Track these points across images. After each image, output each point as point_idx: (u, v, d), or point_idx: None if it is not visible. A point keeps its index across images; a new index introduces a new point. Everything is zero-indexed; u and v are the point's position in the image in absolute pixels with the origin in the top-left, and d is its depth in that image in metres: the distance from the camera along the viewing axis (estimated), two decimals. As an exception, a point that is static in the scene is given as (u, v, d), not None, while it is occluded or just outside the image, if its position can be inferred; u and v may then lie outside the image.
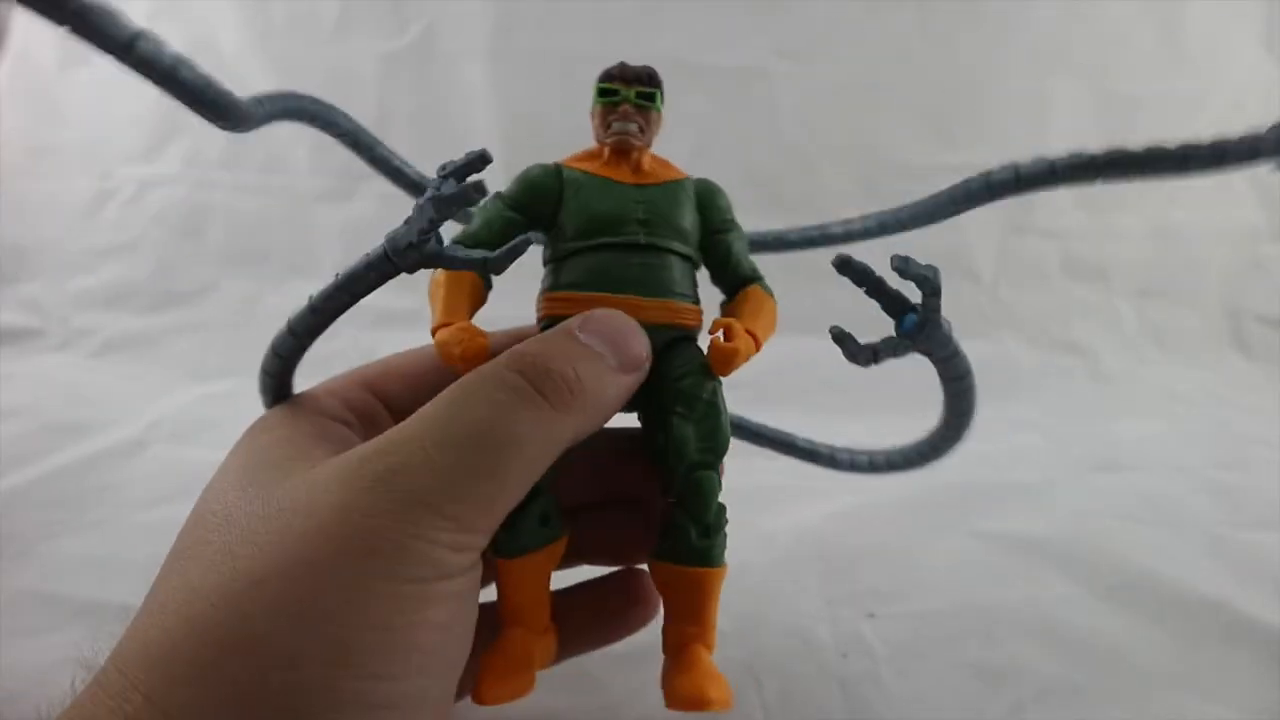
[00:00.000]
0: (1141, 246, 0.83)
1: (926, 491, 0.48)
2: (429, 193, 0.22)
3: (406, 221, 0.21)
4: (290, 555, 0.18)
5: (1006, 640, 0.33)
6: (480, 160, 0.22)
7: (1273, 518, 0.45)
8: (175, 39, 0.20)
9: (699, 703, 0.23)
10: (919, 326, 0.22)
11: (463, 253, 0.22)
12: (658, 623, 0.33)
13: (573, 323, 0.23)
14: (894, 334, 0.23)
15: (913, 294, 0.23)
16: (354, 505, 0.18)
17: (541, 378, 0.21)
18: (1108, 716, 0.29)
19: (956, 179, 0.27)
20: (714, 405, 0.25)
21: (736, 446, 0.26)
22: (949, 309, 0.22)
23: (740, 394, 0.27)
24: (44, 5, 0.17)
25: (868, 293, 0.23)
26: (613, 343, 0.23)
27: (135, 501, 0.47)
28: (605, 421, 0.23)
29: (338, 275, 0.22)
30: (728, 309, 0.27)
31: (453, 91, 0.80)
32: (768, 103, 0.79)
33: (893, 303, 0.23)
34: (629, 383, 0.23)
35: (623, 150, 0.26)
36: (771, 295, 0.27)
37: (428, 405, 0.21)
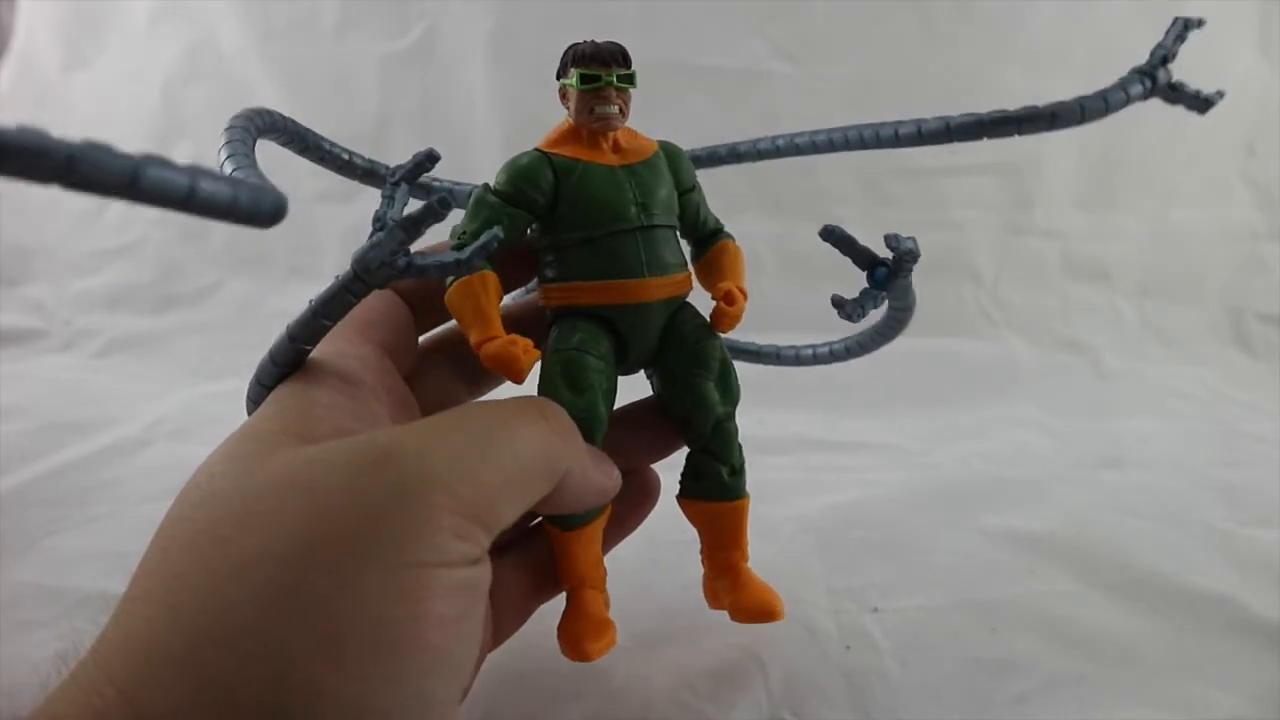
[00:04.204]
0: (1142, 245, 0.83)
1: (930, 487, 0.49)
2: (388, 206, 0.22)
3: (373, 243, 0.20)
4: (283, 537, 0.17)
5: (1010, 634, 0.33)
6: (428, 160, 0.23)
7: (1274, 514, 0.45)
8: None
9: (767, 613, 0.27)
10: (889, 277, 0.25)
11: (434, 259, 0.21)
12: (663, 615, 0.33)
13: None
14: (867, 286, 0.26)
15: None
16: (358, 484, 0.17)
17: (545, 408, 0.23)
18: (1112, 706, 0.29)
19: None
20: (726, 363, 0.28)
21: (744, 439, 0.29)
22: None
23: (746, 394, 0.27)
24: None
25: (843, 251, 0.26)
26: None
27: (137, 496, 0.47)
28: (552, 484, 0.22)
29: (311, 303, 0.22)
30: (706, 262, 0.29)
31: (453, 91, 0.80)
32: (768, 103, 0.79)
33: (865, 259, 0.26)
34: (598, 485, 0.25)
35: (604, 132, 0.27)
36: (736, 242, 0.29)
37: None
